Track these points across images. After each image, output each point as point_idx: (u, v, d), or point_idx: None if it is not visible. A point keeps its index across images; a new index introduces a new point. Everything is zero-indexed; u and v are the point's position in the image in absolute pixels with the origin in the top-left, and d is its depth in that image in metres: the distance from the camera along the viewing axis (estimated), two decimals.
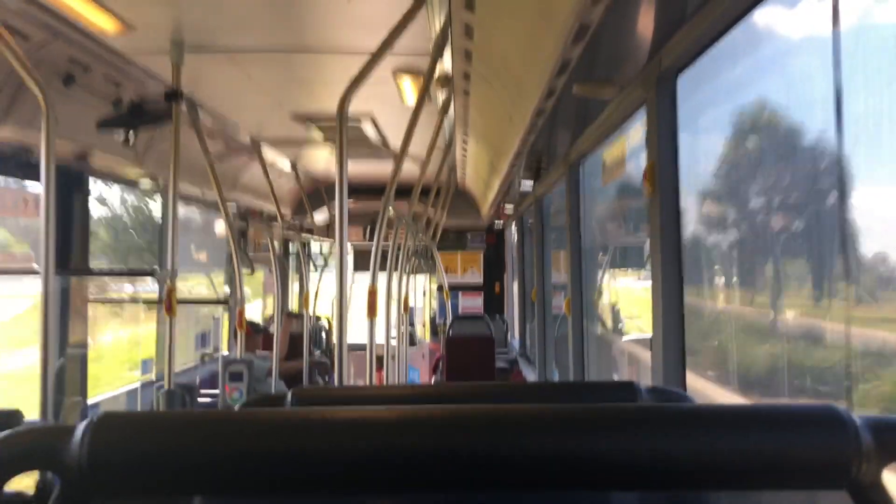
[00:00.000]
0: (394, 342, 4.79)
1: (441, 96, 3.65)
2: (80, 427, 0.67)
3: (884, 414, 0.71)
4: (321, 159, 6.56)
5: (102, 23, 2.88)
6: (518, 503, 0.78)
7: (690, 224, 2.47)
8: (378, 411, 0.71)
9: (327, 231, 8.41)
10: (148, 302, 5.67)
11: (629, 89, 2.74)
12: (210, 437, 0.68)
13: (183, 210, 6.01)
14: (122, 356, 6.20)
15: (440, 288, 8.34)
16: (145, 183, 4.82)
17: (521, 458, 0.68)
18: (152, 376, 5.57)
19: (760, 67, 2.18)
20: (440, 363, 7.79)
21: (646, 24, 2.22)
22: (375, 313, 2.78)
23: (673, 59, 2.29)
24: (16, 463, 0.67)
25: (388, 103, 4.14)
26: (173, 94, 3.30)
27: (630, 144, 3.40)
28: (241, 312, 4.38)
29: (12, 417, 2.08)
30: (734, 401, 2.34)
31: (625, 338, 4.56)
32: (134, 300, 6.09)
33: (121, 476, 0.67)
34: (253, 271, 6.74)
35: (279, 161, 6.24)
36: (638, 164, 3.11)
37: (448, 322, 7.99)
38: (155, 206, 6.08)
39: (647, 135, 2.55)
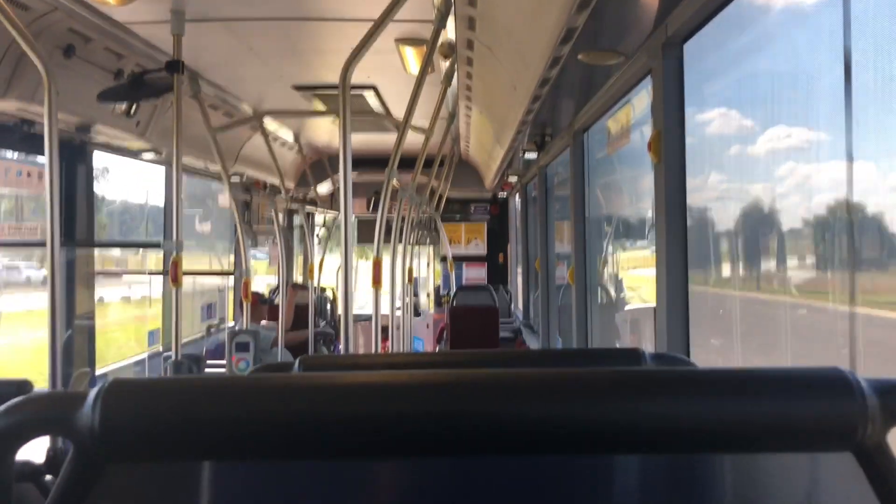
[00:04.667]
0: (398, 313, 4.81)
1: (444, 65, 3.62)
2: (92, 393, 0.68)
3: (890, 377, 0.71)
4: (324, 130, 6.53)
5: None
6: (524, 467, 0.79)
7: None
8: (385, 375, 0.72)
9: (331, 202, 8.40)
10: (154, 273, 5.69)
11: (635, 57, 2.71)
12: (220, 401, 0.69)
13: (187, 182, 6.01)
14: None
15: (444, 258, 8.35)
16: (148, 155, 4.81)
17: (527, 423, 0.68)
18: (159, 347, 5.62)
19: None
20: (444, 333, 7.83)
21: None
22: (380, 284, 2.79)
23: (679, 27, 2.27)
24: (27, 429, 0.68)
25: (391, 73, 4.10)
26: (174, 65, 3.28)
27: (635, 114, 3.37)
28: (247, 284, 4.40)
29: (22, 387, 2.10)
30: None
31: (627, 307, 4.57)
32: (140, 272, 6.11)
33: (133, 441, 0.67)
34: (257, 244, 6.75)
35: (282, 133, 6.21)
36: (644, 133, 3.09)
37: (452, 292, 8.00)
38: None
39: (652, 103, 2.53)
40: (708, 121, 2.55)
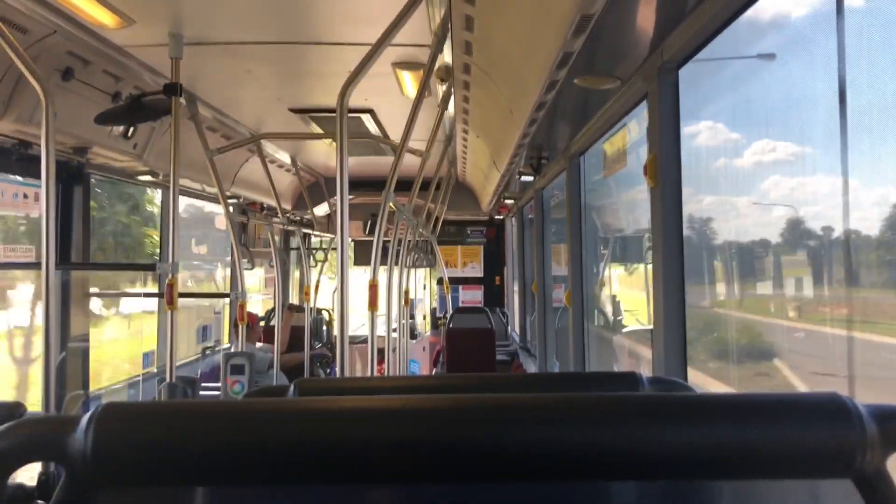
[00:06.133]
0: (395, 335, 4.80)
1: (441, 89, 3.64)
2: (85, 417, 0.67)
3: (889, 403, 0.71)
4: (321, 153, 6.55)
5: (101, 17, 2.87)
6: (521, 493, 0.78)
7: None
8: (381, 400, 0.71)
9: (328, 225, 8.40)
10: (149, 295, 5.67)
11: (631, 82, 2.73)
12: (214, 426, 0.68)
13: (184, 204, 6.02)
14: None
15: (440, 281, 8.33)
16: (145, 177, 4.81)
17: (523, 448, 0.68)
18: (154, 369, 5.58)
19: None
20: (441, 356, 7.80)
21: (647, 15, 2.21)
22: (376, 306, 2.78)
23: (675, 52, 2.28)
24: (20, 454, 0.67)
25: (388, 96, 4.13)
26: (172, 88, 3.29)
27: (631, 137, 3.39)
28: (242, 306, 4.39)
29: (15, 410, 2.08)
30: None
31: (625, 330, 4.57)
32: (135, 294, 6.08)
33: (125, 466, 0.67)
34: (253, 266, 6.75)
35: (279, 155, 6.23)
36: (640, 156, 3.11)
37: (448, 315, 7.99)
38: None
39: (648, 128, 2.55)
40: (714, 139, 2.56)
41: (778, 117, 2.11)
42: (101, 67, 3.38)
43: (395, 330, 4.72)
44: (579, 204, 4.44)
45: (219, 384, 4.38)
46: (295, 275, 9.45)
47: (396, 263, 4.34)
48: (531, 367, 6.97)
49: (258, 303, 8.48)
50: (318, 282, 8.40)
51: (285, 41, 3.36)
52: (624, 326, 4.48)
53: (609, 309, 4.71)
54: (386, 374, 4.80)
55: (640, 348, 3.95)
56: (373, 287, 2.84)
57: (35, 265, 2.89)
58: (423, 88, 2.79)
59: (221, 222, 7.42)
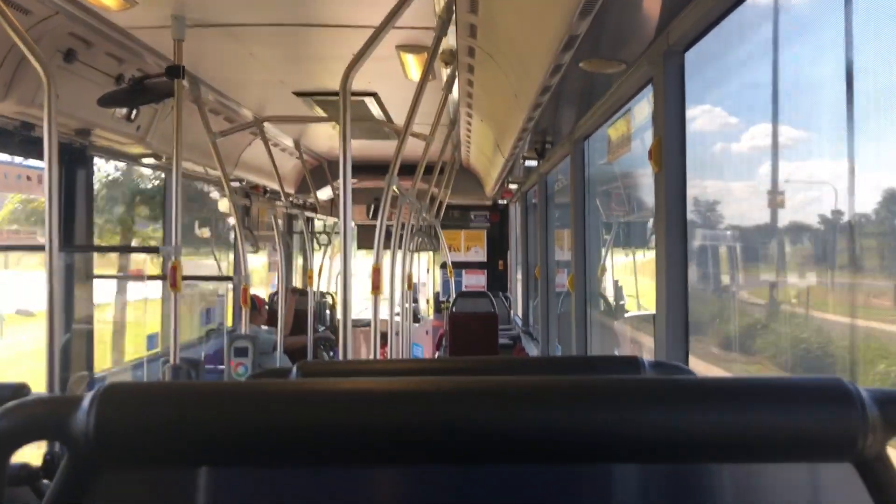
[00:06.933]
0: (398, 318, 4.81)
1: (445, 72, 3.62)
2: (87, 397, 0.67)
3: (891, 387, 0.71)
4: (325, 137, 6.54)
5: None
6: (522, 475, 0.78)
7: None
8: (384, 382, 0.71)
9: (331, 209, 8.40)
10: (153, 278, 5.69)
11: (636, 65, 2.72)
12: (217, 407, 0.69)
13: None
14: None
15: (444, 265, 8.34)
16: (148, 160, 4.81)
17: (526, 431, 0.68)
18: (158, 351, 5.61)
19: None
20: (443, 339, 7.81)
21: None
22: (380, 290, 2.78)
23: (681, 35, 2.27)
24: (22, 433, 0.68)
25: (392, 80, 4.11)
26: (175, 71, 3.28)
27: (636, 121, 3.38)
28: (246, 289, 4.40)
29: (19, 391, 2.09)
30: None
31: (627, 314, 4.57)
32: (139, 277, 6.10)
33: (128, 446, 0.67)
34: (257, 249, 6.76)
35: (282, 138, 6.22)
36: (644, 141, 3.09)
37: (451, 299, 8.00)
38: None
39: (653, 111, 2.53)
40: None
41: None
42: (103, 49, 3.37)
43: (398, 313, 4.74)
44: (583, 189, 4.43)
45: (222, 366, 4.40)
46: (298, 258, 9.47)
47: (400, 247, 4.33)
48: (533, 351, 6.99)
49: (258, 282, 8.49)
50: (321, 265, 8.42)
51: (288, 23, 3.34)
52: (626, 311, 4.48)
53: (611, 294, 4.72)
54: (389, 357, 4.82)
55: (642, 333, 3.95)
56: (376, 271, 2.85)
57: (39, 248, 2.89)
58: (427, 72, 2.78)
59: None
